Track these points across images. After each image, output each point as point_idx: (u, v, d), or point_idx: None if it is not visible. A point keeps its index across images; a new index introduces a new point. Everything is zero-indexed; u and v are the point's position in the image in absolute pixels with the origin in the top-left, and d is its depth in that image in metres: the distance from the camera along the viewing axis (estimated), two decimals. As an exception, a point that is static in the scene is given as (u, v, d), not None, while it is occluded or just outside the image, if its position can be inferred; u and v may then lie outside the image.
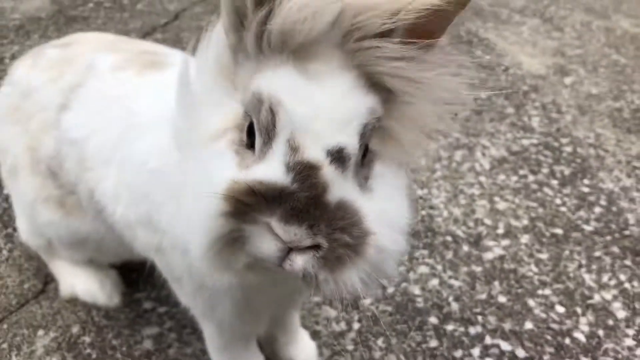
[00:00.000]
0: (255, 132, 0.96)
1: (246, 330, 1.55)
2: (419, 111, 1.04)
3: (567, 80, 3.57)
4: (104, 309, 1.85)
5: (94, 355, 1.71)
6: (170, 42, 3.53)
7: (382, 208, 0.99)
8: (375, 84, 1.01)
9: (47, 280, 1.93)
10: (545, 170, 2.72)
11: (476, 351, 1.83)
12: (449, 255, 2.20)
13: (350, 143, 0.94)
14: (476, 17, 4.34)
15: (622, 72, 3.70)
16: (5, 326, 1.77)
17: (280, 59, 0.97)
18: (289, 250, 0.89)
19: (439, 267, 2.13)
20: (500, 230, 2.34)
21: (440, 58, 1.01)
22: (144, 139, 1.30)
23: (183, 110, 1.11)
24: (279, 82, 0.96)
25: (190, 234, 0.96)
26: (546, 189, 2.59)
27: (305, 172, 0.90)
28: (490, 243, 2.27)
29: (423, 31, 0.96)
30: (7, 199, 2.26)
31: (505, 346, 1.85)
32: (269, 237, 0.90)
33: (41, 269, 1.95)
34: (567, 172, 2.72)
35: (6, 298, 1.86)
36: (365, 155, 1.02)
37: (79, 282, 1.84)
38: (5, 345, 1.71)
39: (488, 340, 1.87)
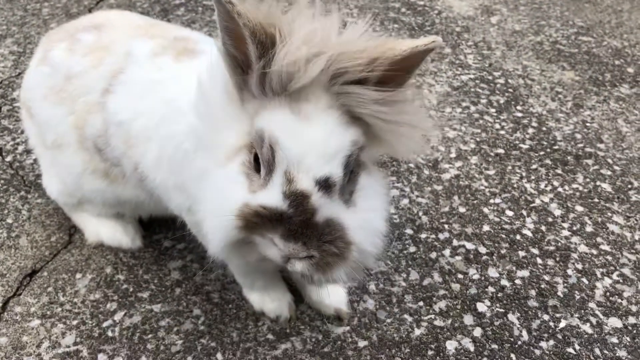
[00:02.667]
0: (258, 160, 1.24)
1: (259, 268, 1.83)
2: (396, 134, 1.30)
3: (493, 19, 3.97)
4: (129, 251, 2.10)
5: (131, 289, 1.98)
6: (124, 7, 3.65)
7: (364, 218, 1.28)
8: (357, 117, 1.26)
9: (71, 232, 2.15)
10: (483, 101, 3.12)
11: (447, 252, 2.22)
12: (414, 179, 2.57)
13: (336, 173, 1.21)
14: (406, -36, 4.64)
15: (539, 9, 4.14)
16: (45, 273, 2.00)
17: (279, 100, 1.23)
18: (288, 258, 1.21)
19: (407, 189, 2.50)
20: (453, 155, 2.73)
21: (408, 95, 1.28)
22: (182, 122, 1.50)
23: (201, 114, 1.38)
24: (276, 122, 1.21)
25: (210, 237, 1.28)
26: (486, 117, 3.00)
27: (298, 199, 1.18)
28: (446, 166, 2.65)
29: (395, 73, 1.21)
30: (11, 165, 2.43)
31: (470, 246, 2.26)
32: (273, 247, 1.21)
33: (63, 224, 2.17)
34: (502, 101, 3.13)
35: (39, 251, 2.08)
36: (352, 172, 1.28)
37: (104, 230, 2.08)
38: (51, 289, 1.95)
39: (455, 242, 2.27)
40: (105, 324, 1.85)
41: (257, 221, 1.19)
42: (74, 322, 1.85)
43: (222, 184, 1.28)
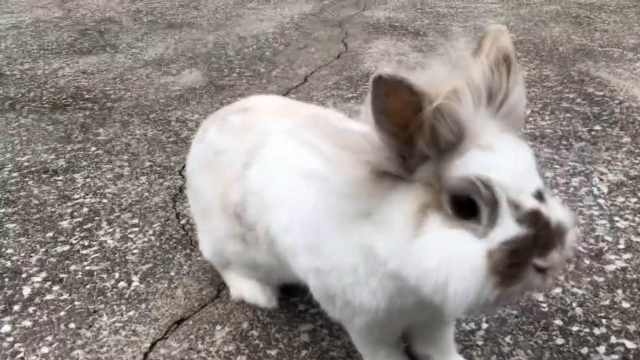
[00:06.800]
0: (465, 206, 1.28)
1: (383, 336, 1.80)
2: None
3: (687, 109, 3.60)
4: (266, 310, 2.21)
5: (261, 345, 2.06)
6: (302, 99, 4.03)
7: (563, 212, 1.33)
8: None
9: (220, 288, 2.33)
10: (666, 192, 2.79)
11: (602, 349, 1.96)
12: (571, 267, 2.35)
13: (540, 182, 1.31)
14: (587, 58, 4.48)
15: None
16: (191, 322, 2.18)
17: (458, 148, 1.29)
18: (546, 273, 1.25)
19: (562, 278, 2.29)
20: (621, 246, 2.45)
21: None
22: (313, 188, 1.55)
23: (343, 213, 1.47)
24: (475, 164, 1.27)
25: (462, 303, 1.26)
26: (668, 209, 2.67)
27: (533, 218, 1.23)
28: (612, 257, 2.39)
29: None
30: (183, 227, 2.75)
31: (630, 345, 1.97)
32: (534, 281, 1.24)
33: (214, 280, 2.37)
34: (689, 193, 2.77)
35: (189, 301, 2.28)
36: None
37: (246, 288, 2.23)
38: (192, 337, 2.11)
39: (613, 339, 2.00)
40: (232, 374, 1.94)
41: (515, 261, 1.22)
42: (206, 369, 1.97)
43: (443, 245, 1.30)
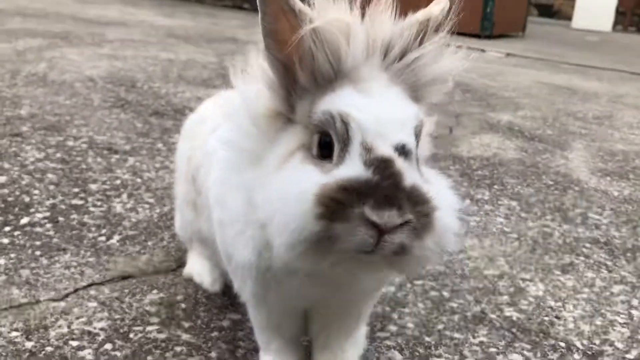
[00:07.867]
0: (326, 146, 1.23)
1: (273, 320, 1.67)
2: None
3: None
4: (207, 292, 2.14)
5: (181, 316, 1.99)
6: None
7: (440, 192, 1.22)
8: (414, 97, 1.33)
9: (181, 265, 2.31)
10: None
11: None
12: (554, 356, 1.99)
13: (409, 140, 1.21)
14: None
15: None
16: (134, 281, 2.18)
17: (336, 85, 1.26)
18: (380, 234, 1.11)
19: (535, 361, 1.95)
20: (631, 356, 2.04)
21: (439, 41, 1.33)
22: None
23: (238, 146, 1.41)
24: (342, 100, 1.24)
25: (283, 234, 1.16)
26: None
27: (382, 165, 1.15)
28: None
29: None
30: (186, 215, 2.81)
31: None
32: (361, 229, 1.11)
33: (182, 258, 2.36)
34: None
35: (147, 266, 2.29)
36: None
37: (197, 267, 2.20)
38: (126, 290, 2.11)
39: None
40: (134, 329, 1.90)
41: (341, 198, 1.11)
42: (117, 316, 1.95)
43: (287, 179, 1.22)
